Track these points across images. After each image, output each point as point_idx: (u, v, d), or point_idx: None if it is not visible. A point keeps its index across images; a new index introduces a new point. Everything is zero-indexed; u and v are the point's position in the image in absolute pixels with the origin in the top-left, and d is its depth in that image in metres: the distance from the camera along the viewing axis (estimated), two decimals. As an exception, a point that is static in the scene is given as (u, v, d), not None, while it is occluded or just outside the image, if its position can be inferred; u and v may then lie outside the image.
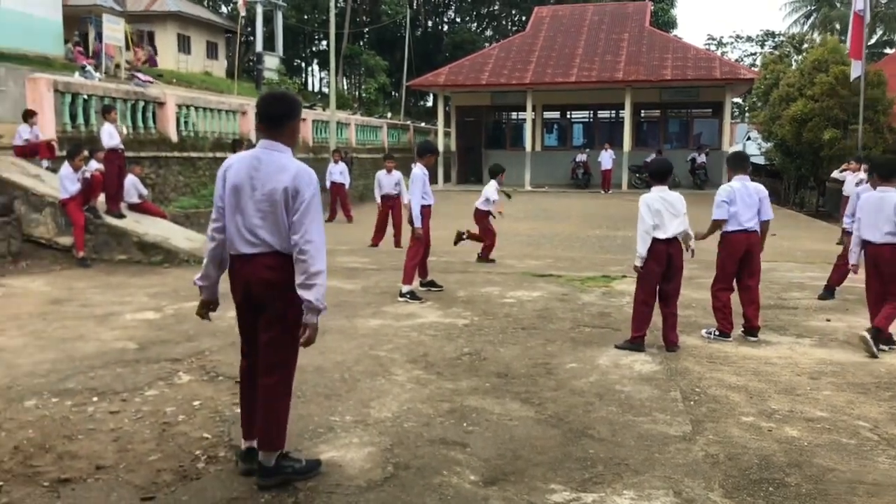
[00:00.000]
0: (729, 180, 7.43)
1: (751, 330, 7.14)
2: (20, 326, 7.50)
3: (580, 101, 31.83)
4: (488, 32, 64.88)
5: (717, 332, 7.14)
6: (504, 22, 65.74)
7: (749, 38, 63.31)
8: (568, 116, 33.87)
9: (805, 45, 27.09)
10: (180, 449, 4.56)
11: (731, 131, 30.38)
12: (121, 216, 11.78)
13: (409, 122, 36.85)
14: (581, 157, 30.38)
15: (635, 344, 6.72)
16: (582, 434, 4.82)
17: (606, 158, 28.28)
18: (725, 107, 29.38)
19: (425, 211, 9.00)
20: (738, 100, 39.33)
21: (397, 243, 13.57)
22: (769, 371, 6.19)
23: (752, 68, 39.89)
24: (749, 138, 34.06)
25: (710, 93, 29.75)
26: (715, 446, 4.64)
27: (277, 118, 3.95)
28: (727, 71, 28.43)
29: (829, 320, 8.01)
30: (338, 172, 18.76)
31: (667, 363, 6.39)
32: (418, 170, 8.88)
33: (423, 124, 39.12)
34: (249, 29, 43.16)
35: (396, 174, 13.49)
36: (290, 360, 4.09)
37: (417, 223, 8.83)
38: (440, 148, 30.99)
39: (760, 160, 32.52)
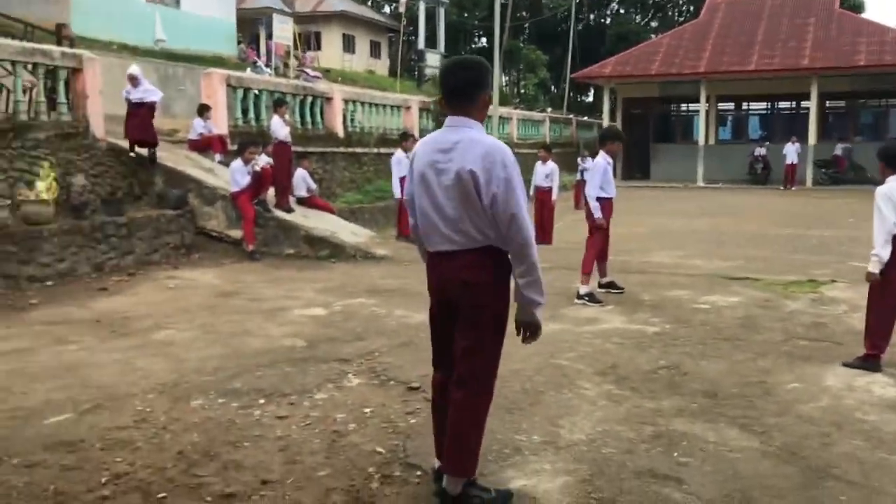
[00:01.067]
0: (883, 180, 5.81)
1: None
2: (190, 320, 7.37)
3: (757, 92, 29.68)
4: (653, 24, 62.51)
5: None
6: (671, 13, 63.12)
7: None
8: (743, 108, 31.79)
9: None
10: (352, 464, 4.07)
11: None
12: (290, 210, 11.73)
13: (571, 116, 35.84)
14: (760, 151, 28.32)
15: (870, 362, 5.67)
16: (825, 474, 3.93)
17: (792, 152, 26.05)
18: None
19: (605, 204, 8.22)
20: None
21: (543, 239, 12.77)
22: None
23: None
24: None
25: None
26: None
27: (466, 88, 3.34)
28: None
29: None
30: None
31: (913, 387, 5.33)
32: (600, 158, 8.13)
33: (585, 118, 37.97)
34: (412, 28, 43.53)
35: (551, 165, 12.86)
36: (489, 373, 3.50)
37: (597, 213, 8.07)
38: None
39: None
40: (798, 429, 4.54)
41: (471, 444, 3.46)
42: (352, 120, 17.47)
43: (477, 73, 3.34)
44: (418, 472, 3.95)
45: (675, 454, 4.19)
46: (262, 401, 5.05)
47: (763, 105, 31.25)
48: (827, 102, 29.40)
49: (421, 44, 42.47)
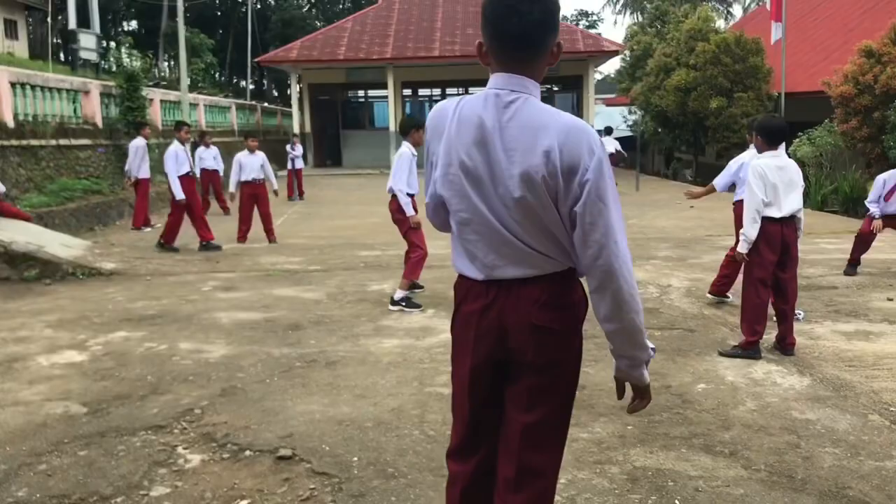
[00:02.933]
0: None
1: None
2: None
3: (443, 78, 30.45)
4: (313, 11, 62.15)
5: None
6: (329, 2, 63.27)
7: (563, 18, 64.69)
8: (428, 94, 32.45)
9: (667, 17, 27.01)
10: None
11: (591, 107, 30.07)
12: (-30, 221, 9.11)
13: (255, 103, 34.02)
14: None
15: (750, 350, 5.40)
16: (847, 499, 3.41)
17: None
18: (587, 80, 29.07)
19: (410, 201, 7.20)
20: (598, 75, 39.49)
21: (271, 237, 11.58)
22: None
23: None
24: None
25: (572, 66, 29.32)
26: None
27: (537, 31, 2.14)
28: (590, 43, 28.03)
29: (891, 299, 7.09)
30: (210, 157, 16.31)
31: (810, 372, 5.13)
32: (406, 149, 7.10)
33: (266, 104, 36.32)
34: (61, 4, 38.32)
35: (260, 155, 11.52)
36: (556, 461, 2.36)
37: (410, 210, 7.07)
38: (296, 130, 28.79)
39: (625, 133, 32.87)
40: (760, 442, 4.02)
41: None
42: (22, 105, 14.40)
43: (552, 6, 2.18)
44: None
45: (664, 500, 3.42)
46: (77, 517, 3.38)
47: (452, 91, 32.14)
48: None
49: (72, 23, 37.51)
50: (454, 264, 2.33)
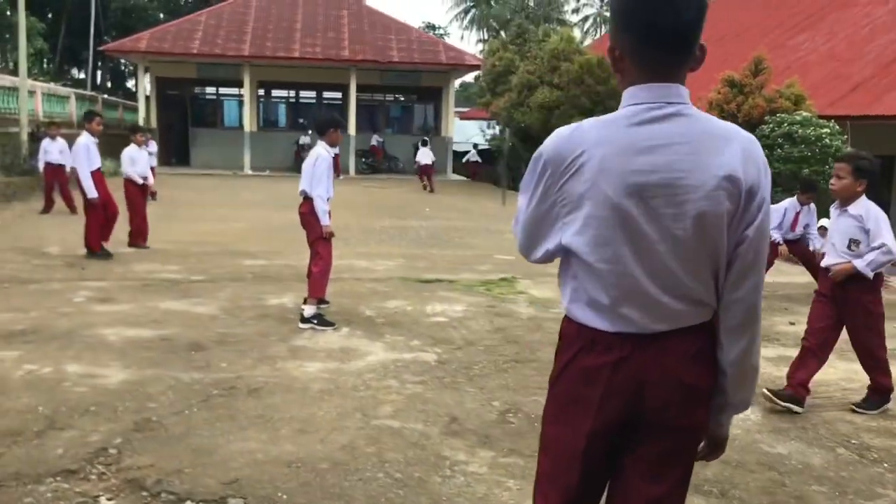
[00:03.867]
0: None
1: None
2: None
3: (299, 79, 29.58)
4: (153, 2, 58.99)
5: None
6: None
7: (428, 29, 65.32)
8: (285, 95, 31.44)
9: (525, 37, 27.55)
10: None
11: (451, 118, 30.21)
12: None
13: (96, 94, 31.63)
14: (304, 140, 28.21)
15: None
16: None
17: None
18: (448, 93, 29.21)
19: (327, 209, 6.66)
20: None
21: (139, 242, 10.69)
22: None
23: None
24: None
25: (433, 78, 29.37)
26: None
27: (692, 30, 1.81)
28: (453, 56, 28.16)
29: (793, 323, 7.31)
30: (56, 151, 14.82)
31: (757, 401, 5.09)
32: (322, 150, 6.55)
33: (105, 96, 33.85)
34: None
35: (148, 150, 11.27)
36: None
37: (326, 220, 6.53)
38: (140, 124, 27.01)
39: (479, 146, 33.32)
40: (744, 479, 3.89)
41: None
42: None
43: (704, 3, 1.85)
44: None
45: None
46: None
47: (307, 94, 31.24)
48: (359, 95, 30.49)
49: None
50: (571, 309, 1.95)
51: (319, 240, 6.57)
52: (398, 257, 10.21)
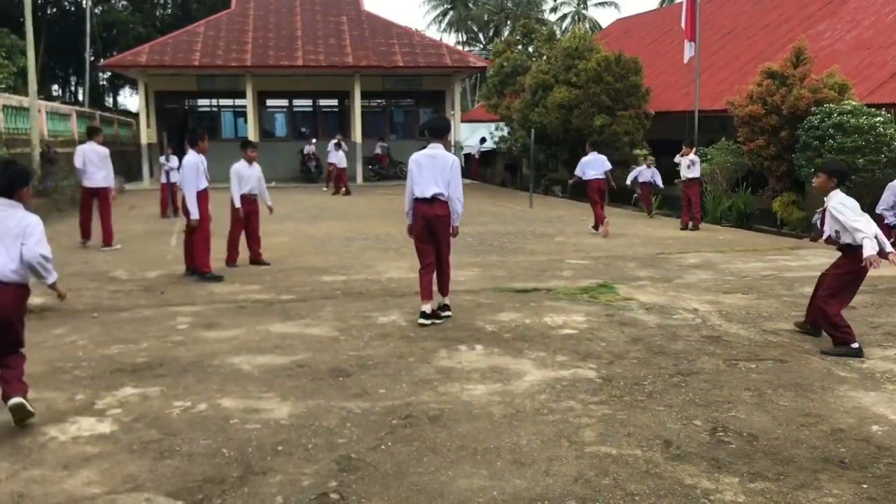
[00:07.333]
0: None
1: None
2: None
3: (302, 88, 29.11)
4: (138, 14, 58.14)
5: None
6: (148, 5, 59.44)
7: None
8: (287, 105, 30.93)
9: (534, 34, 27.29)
10: None
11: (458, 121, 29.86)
12: None
13: (94, 111, 30.96)
14: (310, 149, 27.72)
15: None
16: None
17: (333, 150, 24.06)
18: (453, 96, 28.85)
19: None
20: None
21: (260, 258, 10.41)
22: None
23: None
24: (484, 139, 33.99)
25: (435, 81, 29.05)
26: None
27: None
28: (457, 59, 27.83)
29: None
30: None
31: None
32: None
33: (100, 112, 33.17)
34: None
35: (258, 167, 10.67)
36: None
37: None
38: (143, 140, 26.46)
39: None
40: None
41: None
42: None
43: None
44: None
45: None
46: None
47: (308, 102, 30.78)
48: (362, 101, 30.08)
49: None
50: None
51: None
52: (469, 266, 9.86)
